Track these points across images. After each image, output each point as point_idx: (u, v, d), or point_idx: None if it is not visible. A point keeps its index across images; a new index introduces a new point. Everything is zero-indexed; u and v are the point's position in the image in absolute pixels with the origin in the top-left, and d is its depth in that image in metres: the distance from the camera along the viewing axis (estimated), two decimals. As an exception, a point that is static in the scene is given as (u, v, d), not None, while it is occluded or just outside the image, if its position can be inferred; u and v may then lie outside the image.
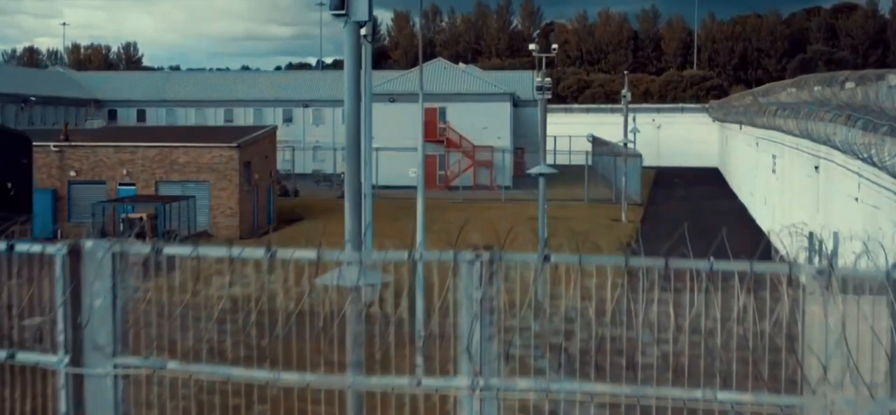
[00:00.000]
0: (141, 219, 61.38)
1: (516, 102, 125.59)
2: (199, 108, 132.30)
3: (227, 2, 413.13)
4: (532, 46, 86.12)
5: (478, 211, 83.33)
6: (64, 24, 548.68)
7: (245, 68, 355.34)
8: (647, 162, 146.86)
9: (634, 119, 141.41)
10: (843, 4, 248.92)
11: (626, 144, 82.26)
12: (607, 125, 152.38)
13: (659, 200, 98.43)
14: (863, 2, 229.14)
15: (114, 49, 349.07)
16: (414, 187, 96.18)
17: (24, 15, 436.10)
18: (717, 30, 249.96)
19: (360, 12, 21.01)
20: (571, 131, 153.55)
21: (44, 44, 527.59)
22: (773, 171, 64.50)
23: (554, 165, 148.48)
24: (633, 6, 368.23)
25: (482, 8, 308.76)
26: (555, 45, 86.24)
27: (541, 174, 45.90)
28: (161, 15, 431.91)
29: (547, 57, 74.53)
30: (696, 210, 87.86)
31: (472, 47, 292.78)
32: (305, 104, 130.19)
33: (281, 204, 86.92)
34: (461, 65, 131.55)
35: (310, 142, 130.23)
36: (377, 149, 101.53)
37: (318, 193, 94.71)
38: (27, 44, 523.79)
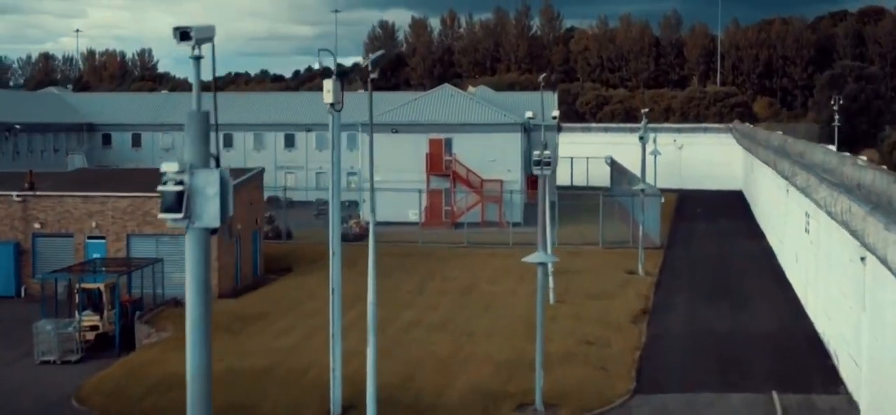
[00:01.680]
0: (99, 290, 54.96)
1: (529, 127, 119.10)
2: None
3: (251, 1, 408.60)
4: (542, 77, 79.39)
5: (482, 260, 76.59)
6: (77, 31, 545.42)
7: (264, 72, 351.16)
8: (669, 184, 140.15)
9: (655, 140, 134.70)
10: (870, 8, 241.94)
11: (643, 188, 75.12)
12: (626, 146, 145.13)
13: (680, 239, 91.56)
14: (891, 6, 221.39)
15: (129, 55, 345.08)
16: (417, 224, 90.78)
17: (47, 15, 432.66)
18: (741, 37, 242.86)
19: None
20: (589, 151, 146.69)
21: (67, 44, 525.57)
22: (807, 231, 57.61)
23: (571, 186, 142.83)
24: (655, 5, 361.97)
25: (501, 14, 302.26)
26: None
27: (541, 263, 39.20)
28: (184, 14, 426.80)
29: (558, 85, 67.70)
30: (721, 257, 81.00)
31: (490, 54, 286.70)
32: (308, 128, 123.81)
33: (271, 250, 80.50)
34: (470, 88, 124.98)
35: (312, 167, 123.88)
36: (377, 189, 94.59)
37: (314, 231, 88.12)
38: (43, 49, 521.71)
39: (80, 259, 66.62)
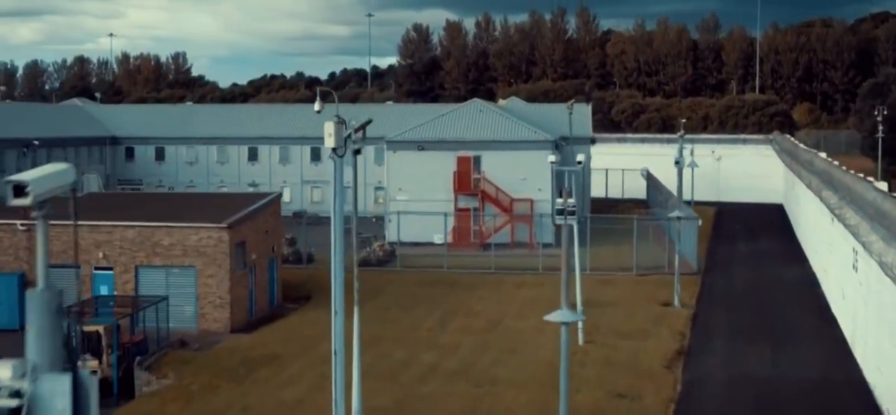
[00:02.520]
0: (97, 333, 51.80)
1: (564, 140, 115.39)
2: (222, 145, 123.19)
3: (287, 1, 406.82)
4: (570, 104, 75.71)
5: (509, 290, 72.91)
6: (111, 35, 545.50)
7: (299, 74, 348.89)
8: (706, 196, 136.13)
9: (692, 152, 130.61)
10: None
11: (680, 217, 71.10)
12: (663, 157, 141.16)
13: (718, 263, 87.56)
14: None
15: (163, 58, 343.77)
16: (442, 247, 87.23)
17: (86, 16, 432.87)
18: (780, 40, 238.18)
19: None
20: (625, 163, 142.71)
21: (106, 45, 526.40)
22: (855, 268, 53.64)
23: (606, 198, 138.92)
24: (692, 4, 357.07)
25: (536, 16, 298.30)
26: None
27: (563, 325, 35.56)
28: (221, 15, 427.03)
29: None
30: (762, 286, 76.94)
31: (525, 58, 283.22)
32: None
33: (291, 276, 77.12)
34: (501, 102, 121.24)
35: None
36: (399, 213, 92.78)
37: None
38: (83, 50, 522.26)
39: (87, 291, 63.74)
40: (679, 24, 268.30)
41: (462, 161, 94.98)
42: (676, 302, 68.37)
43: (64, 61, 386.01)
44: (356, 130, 38.43)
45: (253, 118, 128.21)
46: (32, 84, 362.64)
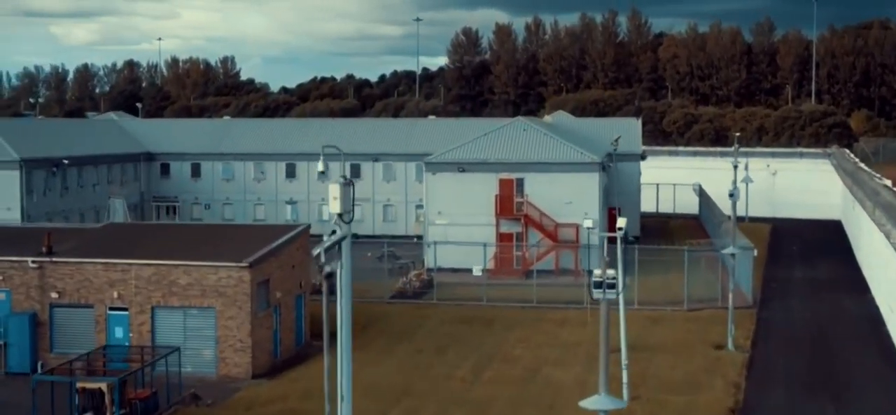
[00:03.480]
0: (100, 391, 48.02)
1: (613, 157, 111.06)
2: (259, 161, 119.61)
3: (339, 2, 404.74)
4: (615, 140, 71.18)
5: (551, 330, 68.34)
6: (159, 39, 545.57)
7: (349, 77, 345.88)
8: (761, 212, 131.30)
9: (747, 167, 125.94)
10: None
11: (734, 252, 66.14)
12: (716, 171, 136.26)
13: (775, 294, 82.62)
14: None
15: (213, 61, 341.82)
16: (481, 276, 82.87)
17: (140, 17, 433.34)
18: (836, 43, 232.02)
19: None
20: (676, 176, 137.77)
21: (159, 46, 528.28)
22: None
23: (656, 212, 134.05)
24: (746, 3, 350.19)
25: (587, 19, 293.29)
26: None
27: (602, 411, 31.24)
28: (274, 15, 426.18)
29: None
30: (822, 325, 71.96)
31: (576, 62, 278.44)
32: (375, 158, 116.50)
33: (320, 311, 72.94)
34: (547, 117, 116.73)
35: (379, 199, 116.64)
36: (435, 243, 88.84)
37: (372, 284, 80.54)
38: (138, 49, 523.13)
39: (101, 332, 60.21)
40: (733, 26, 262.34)
41: (504, 184, 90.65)
42: (730, 344, 63.67)
43: (113, 65, 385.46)
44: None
45: (291, 133, 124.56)
46: (83, 88, 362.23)
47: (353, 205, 32.60)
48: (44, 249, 62.31)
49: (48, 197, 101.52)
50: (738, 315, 67.60)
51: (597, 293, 31.81)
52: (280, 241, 64.17)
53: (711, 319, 71.02)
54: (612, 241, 44.74)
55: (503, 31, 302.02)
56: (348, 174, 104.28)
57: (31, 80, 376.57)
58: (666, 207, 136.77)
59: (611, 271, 32.23)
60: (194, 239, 67.11)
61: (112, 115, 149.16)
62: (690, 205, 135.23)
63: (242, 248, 62.20)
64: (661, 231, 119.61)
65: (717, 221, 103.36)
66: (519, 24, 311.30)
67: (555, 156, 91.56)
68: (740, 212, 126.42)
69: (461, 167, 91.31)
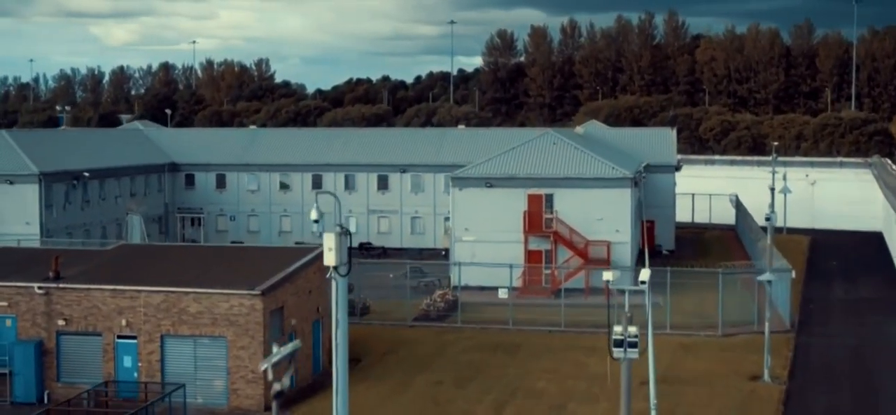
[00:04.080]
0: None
1: (639, 181, 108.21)
2: (285, 172, 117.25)
3: (376, 2, 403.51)
4: (642, 167, 68.17)
5: (579, 359, 65.39)
6: (194, 42, 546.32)
7: (386, 78, 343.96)
8: (799, 222, 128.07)
9: (784, 177, 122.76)
10: None
11: (771, 280, 62.93)
12: (753, 180, 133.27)
13: (814, 317, 79.34)
14: None
15: (249, 63, 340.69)
16: (506, 298, 79.92)
17: (181, 17, 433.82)
18: (877, 46, 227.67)
19: None
20: (713, 186, 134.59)
21: (200, 46, 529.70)
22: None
23: (692, 224, 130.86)
24: (784, 1, 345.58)
25: (623, 22, 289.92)
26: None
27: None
28: (311, 15, 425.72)
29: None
30: (864, 354, 68.65)
31: (612, 64, 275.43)
32: (403, 169, 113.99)
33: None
34: (578, 129, 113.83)
35: (407, 211, 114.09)
36: (460, 264, 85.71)
37: (396, 303, 78.00)
38: (177, 49, 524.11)
39: (109, 361, 57.99)
40: (771, 26, 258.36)
41: (533, 199, 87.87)
42: (766, 375, 60.65)
43: (149, 67, 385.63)
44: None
45: (318, 143, 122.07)
46: (118, 90, 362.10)
47: (351, 257, 30.04)
48: (51, 274, 60.15)
49: (68, 211, 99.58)
50: (775, 341, 64.63)
51: (617, 353, 29.08)
52: (296, 265, 61.68)
53: (747, 345, 67.98)
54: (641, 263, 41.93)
55: (538, 34, 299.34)
56: (376, 185, 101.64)
57: (67, 82, 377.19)
58: (702, 218, 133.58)
59: (633, 328, 29.47)
60: (208, 263, 64.67)
61: (138, 124, 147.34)
62: (727, 215, 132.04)
63: (256, 273, 59.83)
64: (696, 244, 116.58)
65: (754, 236, 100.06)
66: (555, 23, 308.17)
67: (585, 171, 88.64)
68: (778, 223, 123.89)
69: (489, 183, 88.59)
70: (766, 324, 62.15)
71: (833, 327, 76.59)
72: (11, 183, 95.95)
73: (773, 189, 75.19)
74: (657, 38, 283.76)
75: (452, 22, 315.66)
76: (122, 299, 58.32)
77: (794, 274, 77.07)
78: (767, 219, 64.18)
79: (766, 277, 61.86)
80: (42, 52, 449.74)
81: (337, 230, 28.68)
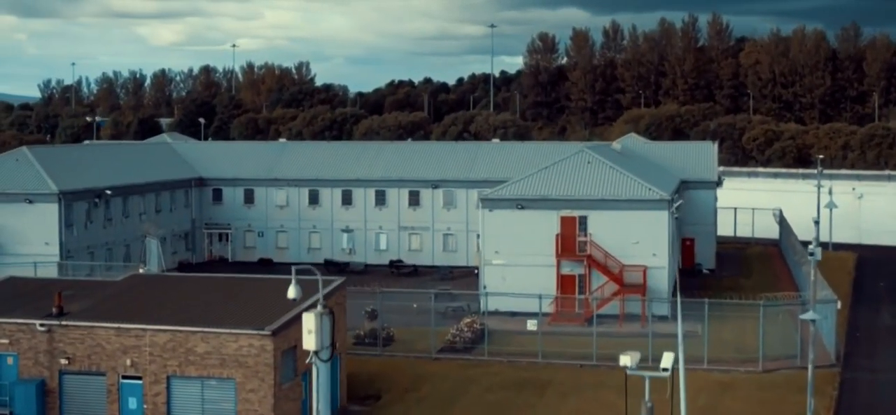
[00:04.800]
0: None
1: (687, 185, 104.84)
2: (314, 187, 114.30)
3: (422, 1, 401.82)
4: (673, 201, 64.61)
5: (609, 400, 61.68)
6: (234, 46, 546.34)
7: (427, 81, 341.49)
8: (845, 238, 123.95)
9: (830, 191, 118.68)
10: None
11: (814, 319, 59.01)
12: (797, 194, 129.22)
13: (860, 347, 75.43)
14: None
15: (290, 65, 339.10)
16: (535, 330, 76.22)
17: (226, 17, 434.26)
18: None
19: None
20: (755, 199, 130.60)
21: (245, 45, 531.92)
22: None
23: (734, 238, 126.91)
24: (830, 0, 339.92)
25: (666, 25, 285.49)
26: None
27: None
28: (356, 15, 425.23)
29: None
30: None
31: (654, 68, 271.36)
32: (434, 185, 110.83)
33: (362, 366, 67.79)
34: (615, 144, 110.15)
35: (439, 228, 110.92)
36: (488, 293, 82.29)
37: (421, 332, 74.74)
38: (222, 49, 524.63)
39: (113, 403, 55.25)
40: (817, 29, 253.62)
41: (566, 222, 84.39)
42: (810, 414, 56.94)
43: (190, 71, 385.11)
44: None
45: (348, 157, 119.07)
46: (160, 93, 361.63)
47: (334, 338, 26.89)
48: (54, 310, 57.43)
49: (90, 230, 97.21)
50: (819, 377, 60.89)
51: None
52: (309, 302, 58.45)
53: (789, 383, 64.29)
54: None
55: (580, 37, 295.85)
56: (407, 201, 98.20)
57: (109, 85, 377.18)
58: (744, 232, 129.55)
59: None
60: (220, 295, 61.67)
61: (166, 136, 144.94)
62: (770, 228, 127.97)
63: (269, 309, 56.82)
64: (737, 262, 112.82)
65: (798, 258, 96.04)
66: (599, 23, 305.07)
67: (621, 192, 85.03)
68: (823, 237, 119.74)
69: (520, 204, 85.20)
70: (810, 366, 58.23)
71: (880, 359, 72.66)
72: (31, 202, 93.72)
73: (817, 223, 70.82)
74: (701, 40, 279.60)
75: (492, 26, 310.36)
76: (126, 338, 55.50)
77: (839, 305, 73.11)
78: (811, 254, 60.22)
79: (809, 315, 58.01)
80: (87, 52, 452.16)
81: (318, 312, 25.44)
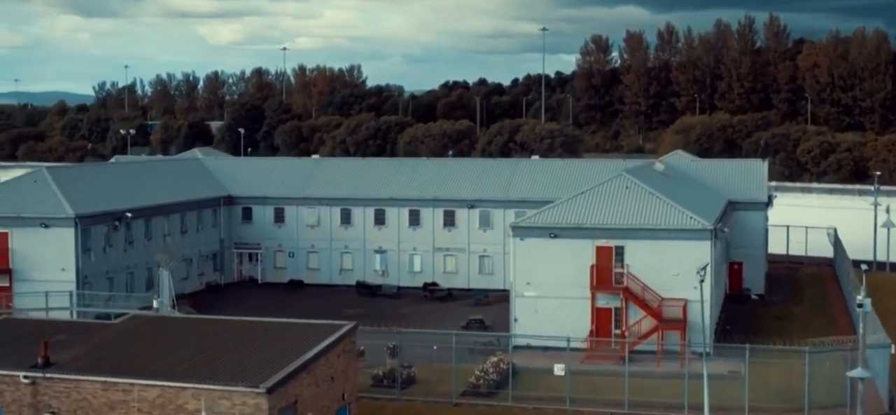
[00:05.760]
0: None
1: (735, 206, 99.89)
2: (346, 205, 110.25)
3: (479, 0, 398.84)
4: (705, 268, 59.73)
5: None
6: (284, 48, 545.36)
7: (482, 82, 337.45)
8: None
9: (888, 210, 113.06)
10: None
11: (863, 375, 53.83)
12: (853, 211, 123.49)
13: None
14: None
15: (346, 67, 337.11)
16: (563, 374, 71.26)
17: (284, 16, 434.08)
18: None
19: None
20: (808, 218, 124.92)
21: (303, 44, 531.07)
22: None
23: (787, 257, 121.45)
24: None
25: (722, 27, 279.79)
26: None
27: None
28: (414, 14, 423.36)
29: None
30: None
31: (710, 71, 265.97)
32: (470, 204, 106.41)
33: (375, 414, 63.33)
34: (657, 164, 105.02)
35: (475, 250, 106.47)
36: (513, 336, 76.28)
37: (444, 369, 70.12)
38: (280, 47, 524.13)
39: (100, 461, 51.31)
40: (878, 29, 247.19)
41: (602, 252, 79.56)
42: (858, 483, 52.00)
43: (242, 73, 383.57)
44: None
45: (381, 175, 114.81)
46: (213, 95, 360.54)
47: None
48: (39, 361, 53.58)
49: (109, 254, 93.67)
50: (872, 431, 55.86)
51: None
52: (313, 352, 54.28)
53: (837, 437, 59.20)
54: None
55: (634, 39, 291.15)
56: (442, 222, 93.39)
57: (163, 87, 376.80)
58: (797, 249, 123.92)
59: None
60: (222, 343, 57.42)
61: (197, 151, 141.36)
62: (825, 246, 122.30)
63: (270, 360, 52.67)
64: (789, 285, 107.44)
65: (852, 287, 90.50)
66: (657, 21, 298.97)
67: (661, 220, 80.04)
68: (880, 258, 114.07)
69: (553, 233, 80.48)
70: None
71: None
72: (46, 226, 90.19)
73: (866, 270, 64.95)
74: (757, 43, 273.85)
75: (544, 28, 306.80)
76: (114, 393, 51.54)
77: (893, 349, 67.67)
78: (859, 306, 55.07)
79: (858, 373, 52.84)
80: (146, 52, 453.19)
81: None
